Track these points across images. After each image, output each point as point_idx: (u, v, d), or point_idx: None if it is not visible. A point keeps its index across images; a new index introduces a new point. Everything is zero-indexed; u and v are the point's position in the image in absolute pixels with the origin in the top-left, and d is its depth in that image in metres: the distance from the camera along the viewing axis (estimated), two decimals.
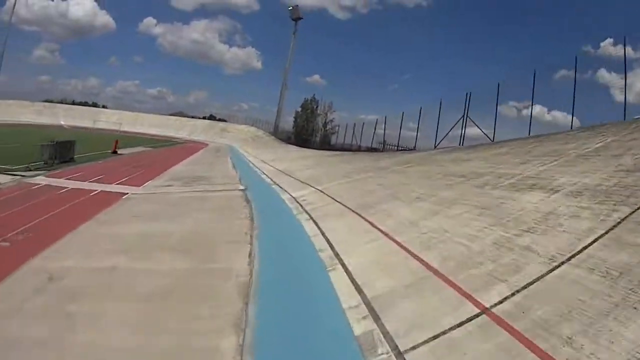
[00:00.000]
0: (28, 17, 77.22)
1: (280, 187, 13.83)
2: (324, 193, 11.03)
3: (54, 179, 14.09)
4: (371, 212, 7.92)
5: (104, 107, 74.54)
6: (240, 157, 30.66)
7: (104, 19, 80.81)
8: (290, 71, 61.11)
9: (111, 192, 12.77)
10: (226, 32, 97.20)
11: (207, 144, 51.63)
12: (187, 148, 39.42)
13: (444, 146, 20.62)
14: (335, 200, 9.80)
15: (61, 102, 70.33)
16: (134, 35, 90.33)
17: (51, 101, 69.33)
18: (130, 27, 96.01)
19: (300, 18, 61.93)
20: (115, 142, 23.85)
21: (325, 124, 54.17)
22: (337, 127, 52.46)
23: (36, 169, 15.37)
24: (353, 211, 8.29)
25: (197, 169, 20.11)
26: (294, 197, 11.38)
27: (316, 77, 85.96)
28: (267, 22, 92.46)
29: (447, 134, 20.05)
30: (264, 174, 18.62)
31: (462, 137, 18.81)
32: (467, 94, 19.06)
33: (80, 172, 15.80)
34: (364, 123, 33.88)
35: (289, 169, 18.59)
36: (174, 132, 66.43)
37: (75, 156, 19.41)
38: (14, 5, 61.20)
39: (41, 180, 13.79)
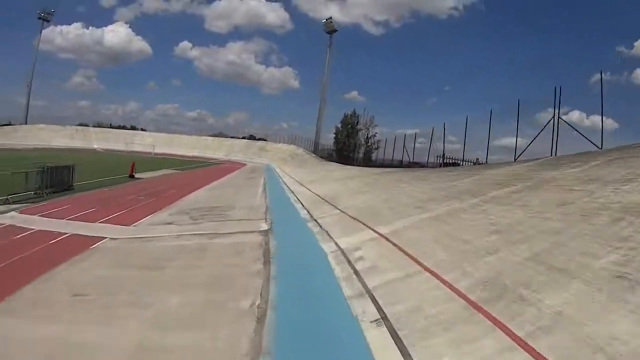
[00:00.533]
0: (64, 45, 78.96)
1: (320, 227, 9.44)
2: (396, 245, 6.42)
3: (26, 216, 10.78)
4: (526, 310, 3.20)
5: (142, 129, 75.35)
6: (275, 178, 26.99)
7: (140, 44, 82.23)
8: (328, 86, 57.97)
9: (85, 236, 9.10)
10: (262, 52, 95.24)
11: (244, 164, 49.02)
12: (221, 169, 36.59)
13: (522, 159, 15.89)
14: (423, 266, 5.18)
15: (98, 126, 71.48)
16: (170, 59, 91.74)
17: (86, 125, 70.71)
18: (166, 51, 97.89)
19: (335, 31, 58.91)
20: (131, 164, 20.94)
21: (367, 139, 49.61)
22: (379, 142, 47.90)
23: (18, 201, 12.27)
24: (479, 309, 3.60)
25: (220, 195, 16.40)
26: (341, 251, 6.91)
27: (354, 93, 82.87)
28: (302, 41, 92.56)
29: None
30: (300, 201, 14.46)
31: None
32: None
33: (68, 204, 12.46)
34: (405, 135, 29.48)
35: (332, 195, 14.24)
36: (211, 153, 65.07)
37: (84, 182, 16.49)
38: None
39: (9, 217, 10.51)
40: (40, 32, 65.81)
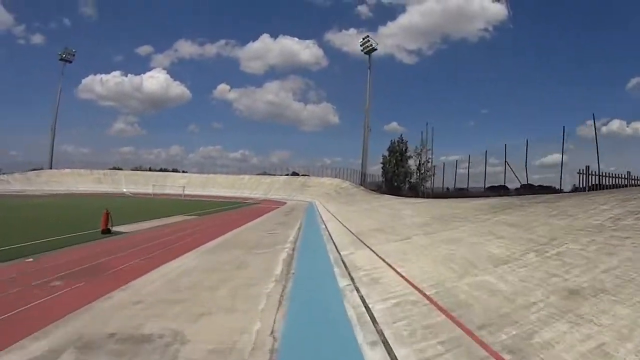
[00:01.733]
0: (104, 93, 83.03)
1: None
2: None
3: None
4: None
5: (174, 170, 72.14)
6: (316, 222, 19.22)
7: (179, 89, 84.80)
8: (370, 111, 50.49)
9: None
10: (299, 90, 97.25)
11: (282, 203, 41.99)
12: (252, 211, 29.48)
13: None
14: None
15: (133, 169, 69.30)
16: (209, 102, 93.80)
17: (119, 168, 68.55)
18: (204, 94, 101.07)
19: (374, 49, 52.44)
20: (104, 215, 14.17)
21: (419, 166, 40.78)
22: (435, 168, 38.95)
23: None
24: None
25: (209, 270, 8.69)
26: None
27: (394, 124, 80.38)
28: (337, 76, 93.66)
29: None
30: (353, 280, 6.36)
31: None
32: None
33: None
34: (457, 161, 26.94)
35: (426, 273, 5.98)
36: (248, 192, 59.41)
37: (25, 244, 9.76)
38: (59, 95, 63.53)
39: None
40: (62, 72, 65.52)
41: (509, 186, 20.53)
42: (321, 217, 22.36)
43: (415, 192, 36.98)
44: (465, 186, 24.83)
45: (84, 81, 78.26)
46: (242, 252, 11.19)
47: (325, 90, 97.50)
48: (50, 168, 62.67)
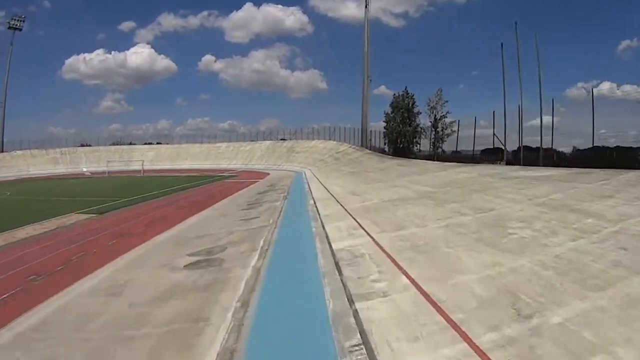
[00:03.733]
0: (89, 72, 77.38)
1: None
2: None
3: None
4: None
5: (147, 144, 61.54)
6: (307, 209, 10.34)
7: (164, 62, 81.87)
8: (370, 56, 39.60)
9: None
10: (286, 58, 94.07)
11: (265, 174, 32.73)
12: (213, 193, 20.11)
13: None
14: None
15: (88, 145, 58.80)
16: (195, 74, 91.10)
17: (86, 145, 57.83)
18: (190, 67, 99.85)
19: None
20: None
21: (436, 122, 31.27)
22: (452, 125, 29.69)
23: None
24: None
25: None
26: None
27: (382, 88, 76.92)
28: (324, 42, 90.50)
29: None
30: None
31: None
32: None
33: None
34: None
35: None
36: (226, 162, 49.63)
37: None
38: None
39: None
40: (12, 43, 53.76)
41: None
42: (315, 195, 13.30)
43: (435, 155, 28.20)
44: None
45: (67, 62, 74.17)
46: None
47: (312, 57, 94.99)
48: (2, 151, 52.12)
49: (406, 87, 35.70)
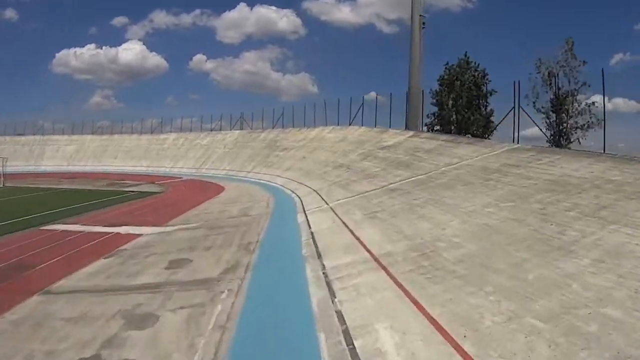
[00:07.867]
0: (80, 66, 77.47)
1: None
2: None
3: None
4: None
5: (68, 135, 43.74)
6: None
7: (155, 59, 79.77)
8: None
9: None
10: (277, 60, 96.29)
11: (222, 190, 17.10)
12: None
13: None
14: None
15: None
16: (186, 72, 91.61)
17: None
18: (181, 65, 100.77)
19: None
20: None
21: (560, 100, 16.52)
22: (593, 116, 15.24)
23: None
24: None
25: None
26: None
27: (372, 94, 66.89)
28: (316, 45, 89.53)
29: None
30: None
31: None
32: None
33: None
34: None
35: None
36: (170, 163, 33.30)
37: None
38: None
39: None
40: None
41: None
42: None
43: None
44: None
45: (57, 55, 74.17)
46: None
47: (304, 60, 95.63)
48: None
49: (466, 52, 20.89)
